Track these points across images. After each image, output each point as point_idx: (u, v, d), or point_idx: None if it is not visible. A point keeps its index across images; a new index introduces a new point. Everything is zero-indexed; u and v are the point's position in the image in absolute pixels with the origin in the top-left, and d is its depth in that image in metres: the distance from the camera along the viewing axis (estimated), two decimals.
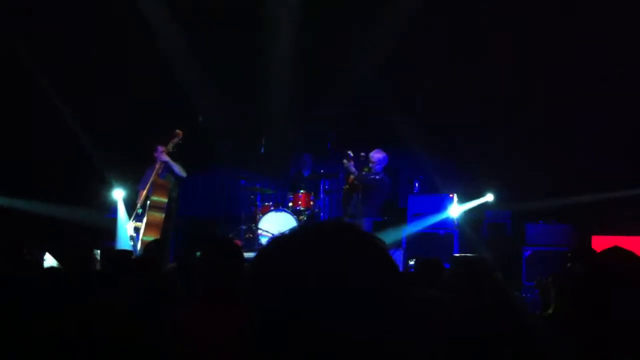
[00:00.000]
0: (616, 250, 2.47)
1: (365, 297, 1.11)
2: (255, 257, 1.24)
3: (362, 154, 9.23)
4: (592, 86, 9.31)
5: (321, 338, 1.09)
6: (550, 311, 3.69)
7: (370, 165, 9.16)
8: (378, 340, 1.11)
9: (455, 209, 9.39)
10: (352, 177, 9.25)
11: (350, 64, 10.12)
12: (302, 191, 9.71)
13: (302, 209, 9.66)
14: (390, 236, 8.87)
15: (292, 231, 1.24)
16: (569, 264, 4.75)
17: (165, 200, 8.62)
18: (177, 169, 8.73)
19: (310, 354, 1.09)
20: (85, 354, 2.32)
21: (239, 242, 9.42)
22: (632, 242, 7.90)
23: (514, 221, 9.49)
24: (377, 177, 9.10)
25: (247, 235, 9.77)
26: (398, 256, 8.69)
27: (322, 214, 9.92)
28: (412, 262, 8.26)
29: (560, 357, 2.14)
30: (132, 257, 6.06)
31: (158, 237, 8.15)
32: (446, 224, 9.31)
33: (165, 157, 8.66)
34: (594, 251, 3.66)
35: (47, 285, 3.10)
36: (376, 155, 9.21)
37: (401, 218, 9.58)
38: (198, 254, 4.70)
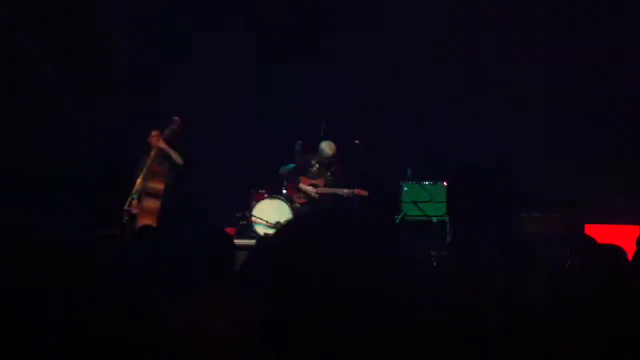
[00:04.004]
0: (614, 250, 2.48)
1: (379, 304, 1.11)
2: (270, 257, 1.23)
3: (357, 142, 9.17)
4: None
5: (331, 340, 1.10)
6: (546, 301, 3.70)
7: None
8: (383, 340, 1.11)
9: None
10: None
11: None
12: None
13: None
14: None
15: (305, 227, 1.22)
16: (569, 255, 4.72)
17: (162, 187, 8.60)
18: (175, 156, 8.72)
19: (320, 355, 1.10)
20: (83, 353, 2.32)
21: (233, 230, 9.43)
22: (625, 231, 7.95)
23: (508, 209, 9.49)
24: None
25: (241, 223, 9.76)
26: None
27: None
28: None
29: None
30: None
31: (154, 224, 8.13)
32: (439, 211, 9.32)
33: (162, 144, 8.65)
34: (595, 242, 3.64)
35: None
36: (328, 149, 9.11)
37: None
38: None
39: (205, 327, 2.83)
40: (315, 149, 9.37)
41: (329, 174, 9.32)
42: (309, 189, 9.38)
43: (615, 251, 2.66)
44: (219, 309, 2.84)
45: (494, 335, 2.19)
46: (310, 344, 1.13)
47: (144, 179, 8.54)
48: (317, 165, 9.37)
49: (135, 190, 8.52)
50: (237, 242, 7.29)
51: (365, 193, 8.98)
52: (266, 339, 1.16)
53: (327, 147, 9.18)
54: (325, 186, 9.35)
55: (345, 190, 9.07)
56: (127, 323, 2.33)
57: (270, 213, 9.44)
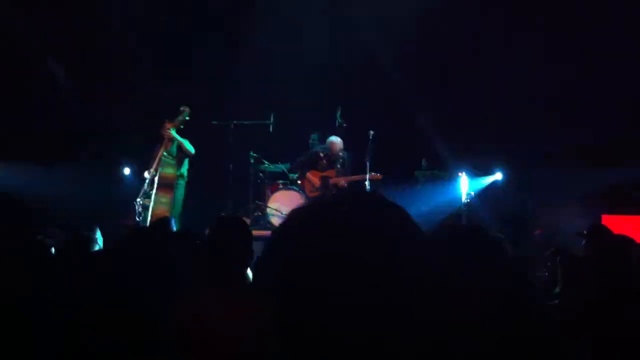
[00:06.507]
0: (627, 240, 2.44)
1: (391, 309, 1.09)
2: (270, 245, 1.20)
3: (372, 131, 9.16)
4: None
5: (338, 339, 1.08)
6: (557, 290, 3.67)
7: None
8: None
9: (464, 187, 9.34)
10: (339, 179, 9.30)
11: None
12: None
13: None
14: None
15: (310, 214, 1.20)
16: (583, 243, 4.69)
17: (174, 176, 8.63)
18: (185, 145, 8.75)
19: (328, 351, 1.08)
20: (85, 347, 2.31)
21: (247, 220, 9.42)
22: None
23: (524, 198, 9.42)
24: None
25: (256, 214, 9.76)
26: None
27: None
28: None
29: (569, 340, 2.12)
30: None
31: (167, 214, 8.15)
32: (454, 202, 9.27)
33: (173, 134, 8.68)
34: (610, 232, 3.59)
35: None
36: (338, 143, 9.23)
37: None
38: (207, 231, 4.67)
39: (208, 325, 2.78)
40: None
41: (338, 165, 9.45)
42: (315, 179, 9.49)
43: (626, 242, 2.61)
44: (224, 305, 2.80)
45: (497, 334, 2.15)
46: (323, 343, 1.11)
47: (156, 169, 8.57)
48: (326, 160, 9.47)
49: (147, 180, 8.56)
50: (252, 232, 7.31)
51: (379, 176, 9.01)
52: (277, 337, 1.14)
53: (334, 144, 9.39)
54: (336, 177, 9.45)
55: (357, 177, 9.14)
56: (127, 322, 2.32)
57: (285, 203, 9.44)
